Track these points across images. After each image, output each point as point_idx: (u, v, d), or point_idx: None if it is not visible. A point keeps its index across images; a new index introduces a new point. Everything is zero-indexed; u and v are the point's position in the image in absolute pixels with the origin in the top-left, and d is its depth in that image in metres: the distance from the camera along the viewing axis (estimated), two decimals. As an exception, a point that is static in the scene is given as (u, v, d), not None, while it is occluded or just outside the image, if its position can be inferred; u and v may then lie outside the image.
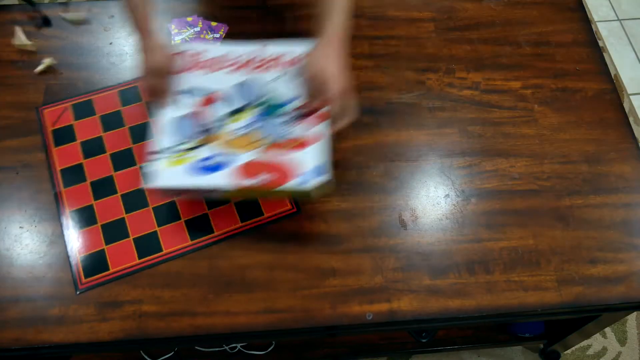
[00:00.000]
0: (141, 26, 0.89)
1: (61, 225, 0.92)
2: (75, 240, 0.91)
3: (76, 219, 0.92)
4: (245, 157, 0.87)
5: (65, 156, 0.98)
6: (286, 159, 0.86)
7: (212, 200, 0.94)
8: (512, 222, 0.94)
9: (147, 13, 0.89)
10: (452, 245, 0.92)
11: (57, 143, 0.99)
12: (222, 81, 0.94)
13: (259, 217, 0.93)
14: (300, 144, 0.88)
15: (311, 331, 0.86)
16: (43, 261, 0.89)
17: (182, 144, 0.88)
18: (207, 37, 1.11)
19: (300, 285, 0.88)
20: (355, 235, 0.92)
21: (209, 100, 0.93)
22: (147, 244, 0.90)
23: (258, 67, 0.95)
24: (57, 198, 0.94)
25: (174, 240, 0.91)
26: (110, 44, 1.11)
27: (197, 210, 0.93)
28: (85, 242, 0.91)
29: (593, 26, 1.11)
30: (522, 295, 0.88)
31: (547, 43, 1.14)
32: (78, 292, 0.86)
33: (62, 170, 0.97)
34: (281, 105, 0.91)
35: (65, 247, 0.90)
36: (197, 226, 0.92)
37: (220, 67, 0.95)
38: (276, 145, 0.87)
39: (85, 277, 0.88)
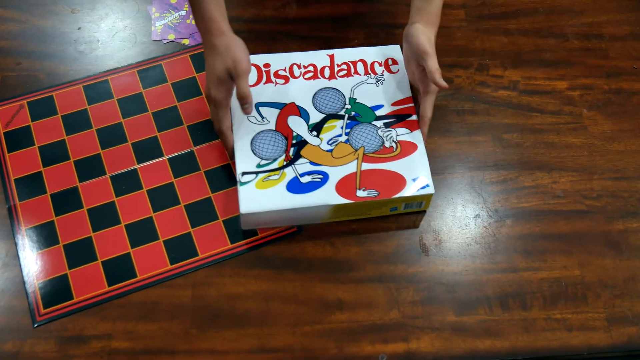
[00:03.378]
0: (210, 21, 0.94)
1: (16, 245, 0.96)
2: (32, 263, 0.95)
3: (34, 238, 0.97)
4: (343, 170, 0.97)
5: (20, 163, 1.03)
6: (388, 169, 0.97)
7: (311, 223, 0.99)
8: (554, 248, 0.99)
9: (216, 6, 0.95)
10: (482, 275, 0.96)
11: (11, 148, 1.04)
12: (300, 91, 1.04)
13: (253, 238, 0.98)
14: (397, 153, 0.98)
15: (313, 375, 0.90)
16: (-5, 287, 0.93)
17: (268, 163, 0.97)
18: (194, 22, 1.18)
19: (300, 319, 0.92)
20: (368, 262, 0.97)
21: (290, 112, 1.02)
22: (119, 268, 0.95)
23: (336, 73, 1.06)
24: (11, 213, 0.99)
25: (151, 263, 0.95)
26: (79, 29, 1.17)
27: (179, 229, 0.98)
28: (45, 265, 0.95)
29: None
30: (565, 336, 0.92)
31: (599, 36, 1.20)
32: (36, 325, 0.90)
33: (17, 180, 1.02)
34: (369, 112, 1.02)
35: (21, 271, 0.94)
36: (179, 247, 0.97)
37: (294, 77, 1.05)
38: (373, 155, 0.98)
39: (45, 306, 0.92)
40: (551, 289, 0.95)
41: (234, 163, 1.00)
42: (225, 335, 0.91)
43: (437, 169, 1.04)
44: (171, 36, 1.17)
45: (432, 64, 0.97)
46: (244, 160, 0.98)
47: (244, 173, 0.97)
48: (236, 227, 0.98)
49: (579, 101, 1.13)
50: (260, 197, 0.95)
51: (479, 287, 0.95)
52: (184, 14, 1.19)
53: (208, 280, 0.94)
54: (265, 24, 1.19)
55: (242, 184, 0.96)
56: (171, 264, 0.96)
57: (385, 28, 1.18)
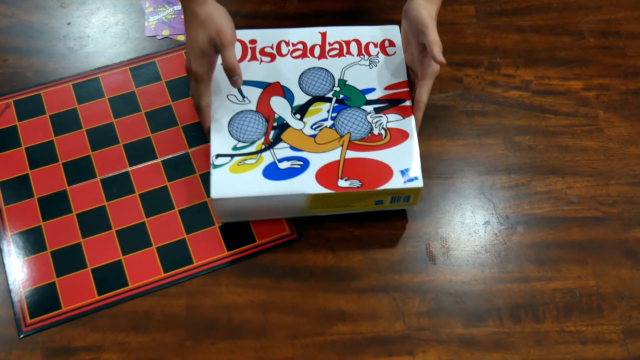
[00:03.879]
0: None
1: (1, 251, 0.97)
2: (18, 271, 0.96)
3: (20, 244, 0.98)
4: (325, 157, 0.96)
5: (6, 165, 1.05)
6: (374, 159, 0.96)
7: (294, 217, 1.00)
8: (568, 257, 1.00)
9: None
10: (492, 284, 0.98)
11: (-3, 149, 1.06)
12: (286, 71, 1.03)
13: (250, 245, 0.99)
14: (386, 142, 0.97)
15: (313, 390, 0.92)
16: (-21, 295, 0.94)
17: (246, 146, 0.96)
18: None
19: (300, 331, 0.93)
20: (371, 270, 0.98)
21: (274, 92, 1.01)
22: (110, 277, 0.96)
23: (327, 53, 1.04)
24: (-3, 217, 1.00)
25: (143, 271, 0.97)
26: (68, 24, 1.19)
27: (173, 235, 0.99)
28: (32, 272, 0.96)
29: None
30: (580, 350, 0.93)
31: (616, 33, 1.22)
32: (22, 336, 0.91)
33: (3, 183, 1.03)
34: (359, 95, 1.01)
35: (7, 278, 0.95)
36: (173, 254, 0.98)
37: (281, 54, 1.04)
38: (359, 143, 0.97)
39: (31, 316, 0.93)
40: (565, 300, 0.97)
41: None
42: (221, 348, 0.92)
43: (446, 173, 1.06)
44: (165, 32, 1.18)
45: (433, 35, 0.94)
46: (220, 142, 0.97)
47: (218, 155, 0.96)
48: (233, 233, 1.00)
49: (594, 102, 1.14)
50: (234, 182, 0.93)
51: (489, 298, 0.96)
52: (179, 8, 1.20)
53: (203, 289, 0.96)
54: (265, 19, 1.21)
55: (215, 167, 0.95)
56: (164, 272, 0.97)
57: (391, 24, 1.19)
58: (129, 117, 1.10)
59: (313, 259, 0.98)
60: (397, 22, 1.15)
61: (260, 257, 0.99)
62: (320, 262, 0.98)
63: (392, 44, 1.07)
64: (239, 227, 1.00)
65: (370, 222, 1.01)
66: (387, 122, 0.99)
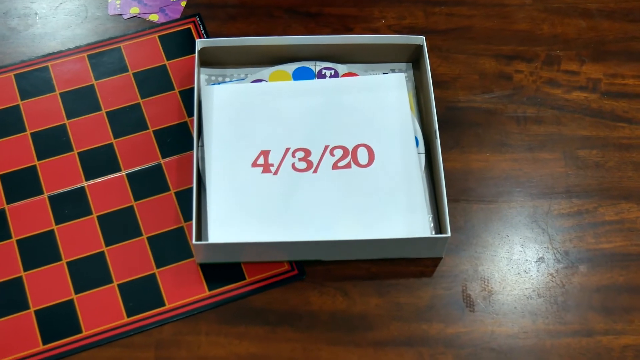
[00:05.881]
0: None
1: None
2: (-57, 310, 0.97)
3: (-55, 276, 0.99)
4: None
5: None
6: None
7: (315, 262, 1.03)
8: (644, 305, 1.01)
9: None
10: (546, 338, 0.98)
11: None
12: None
13: (238, 283, 1.01)
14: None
15: None
16: None
17: None
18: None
19: (300, 394, 0.95)
20: (392, 318, 0.99)
21: None
22: (58, 321, 0.97)
23: None
24: None
25: (101, 315, 0.98)
26: (11, -1, 1.21)
27: (140, 269, 1.01)
28: (-40, 313, 0.97)
29: None
30: None
31: None
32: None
33: None
34: None
35: None
36: (139, 294, 0.99)
37: None
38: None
39: (-46, 371, 0.94)
40: (638, 359, 0.98)
41: None
42: (199, 413, 0.94)
43: (488, 195, 1.08)
44: (134, 10, 1.21)
45: None
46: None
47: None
48: (217, 268, 1.01)
49: (681, 108, 1.16)
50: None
51: (542, 355, 0.97)
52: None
53: (177, 339, 0.97)
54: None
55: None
56: (128, 316, 0.98)
57: (423, 4, 1.22)
58: (86, 117, 1.12)
59: (318, 302, 1.00)
60: (430, 2, 1.16)
61: (251, 299, 1.00)
62: (327, 306, 1.00)
63: None
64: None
65: (390, 257, 1.03)
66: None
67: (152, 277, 1.01)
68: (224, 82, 1.14)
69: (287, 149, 1.07)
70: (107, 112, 1.12)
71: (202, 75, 1.14)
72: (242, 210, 1.03)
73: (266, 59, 1.14)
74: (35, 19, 1.19)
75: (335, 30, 1.19)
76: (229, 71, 1.15)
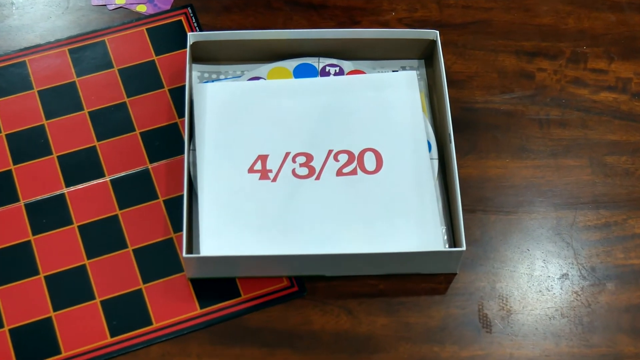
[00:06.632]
0: None
1: None
2: None
3: None
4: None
5: None
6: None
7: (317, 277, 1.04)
8: (677, 327, 1.01)
9: None
10: (570, 363, 1.00)
11: None
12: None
13: (233, 300, 1.01)
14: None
15: None
16: None
17: None
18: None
19: (300, 422, 0.96)
20: (401, 339, 0.99)
21: None
22: (35, 340, 0.98)
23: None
24: None
25: (83, 334, 0.98)
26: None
27: (125, 284, 1.01)
28: None
29: None
30: None
31: None
32: None
33: None
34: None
35: None
36: (124, 312, 1.00)
37: None
38: None
39: None
40: (671, 386, 0.99)
41: None
42: None
43: (507, 205, 1.08)
44: (120, 0, 1.21)
45: None
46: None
47: None
48: (209, 284, 1.02)
49: None
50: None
51: (566, 381, 0.98)
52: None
53: (166, 361, 0.98)
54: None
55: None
56: (112, 335, 0.99)
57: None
58: (67, 117, 1.13)
59: (320, 322, 1.00)
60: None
61: (247, 318, 1.00)
62: (331, 325, 1.00)
63: None
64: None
65: (400, 272, 1.04)
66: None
67: (139, 293, 1.01)
68: (218, 79, 1.15)
69: (287, 154, 1.08)
70: (89, 112, 1.13)
71: (194, 72, 1.15)
72: (238, 220, 1.03)
73: (264, 55, 1.15)
74: (11, 9, 1.20)
75: (341, 24, 1.20)
76: (223, 68, 1.16)
